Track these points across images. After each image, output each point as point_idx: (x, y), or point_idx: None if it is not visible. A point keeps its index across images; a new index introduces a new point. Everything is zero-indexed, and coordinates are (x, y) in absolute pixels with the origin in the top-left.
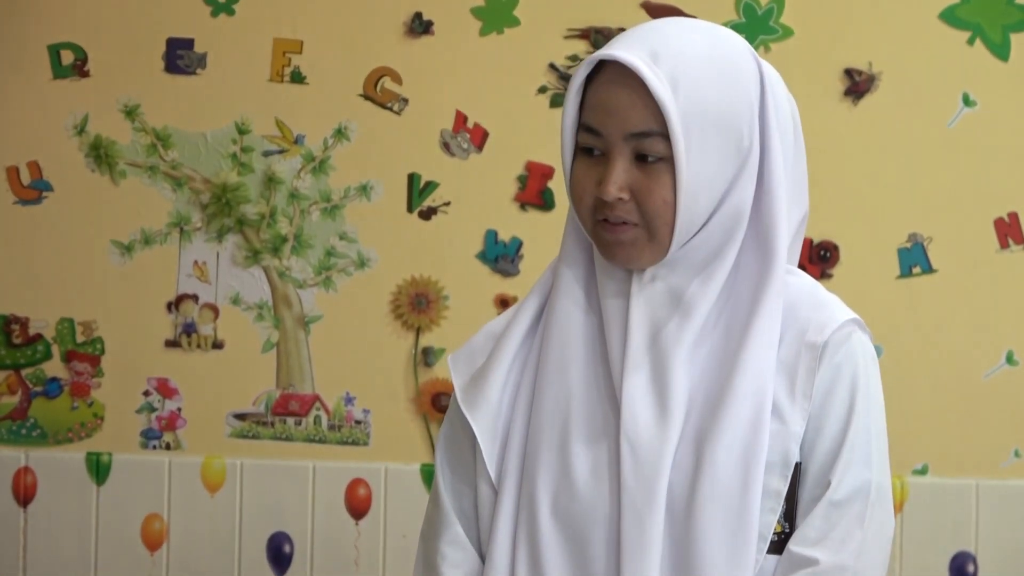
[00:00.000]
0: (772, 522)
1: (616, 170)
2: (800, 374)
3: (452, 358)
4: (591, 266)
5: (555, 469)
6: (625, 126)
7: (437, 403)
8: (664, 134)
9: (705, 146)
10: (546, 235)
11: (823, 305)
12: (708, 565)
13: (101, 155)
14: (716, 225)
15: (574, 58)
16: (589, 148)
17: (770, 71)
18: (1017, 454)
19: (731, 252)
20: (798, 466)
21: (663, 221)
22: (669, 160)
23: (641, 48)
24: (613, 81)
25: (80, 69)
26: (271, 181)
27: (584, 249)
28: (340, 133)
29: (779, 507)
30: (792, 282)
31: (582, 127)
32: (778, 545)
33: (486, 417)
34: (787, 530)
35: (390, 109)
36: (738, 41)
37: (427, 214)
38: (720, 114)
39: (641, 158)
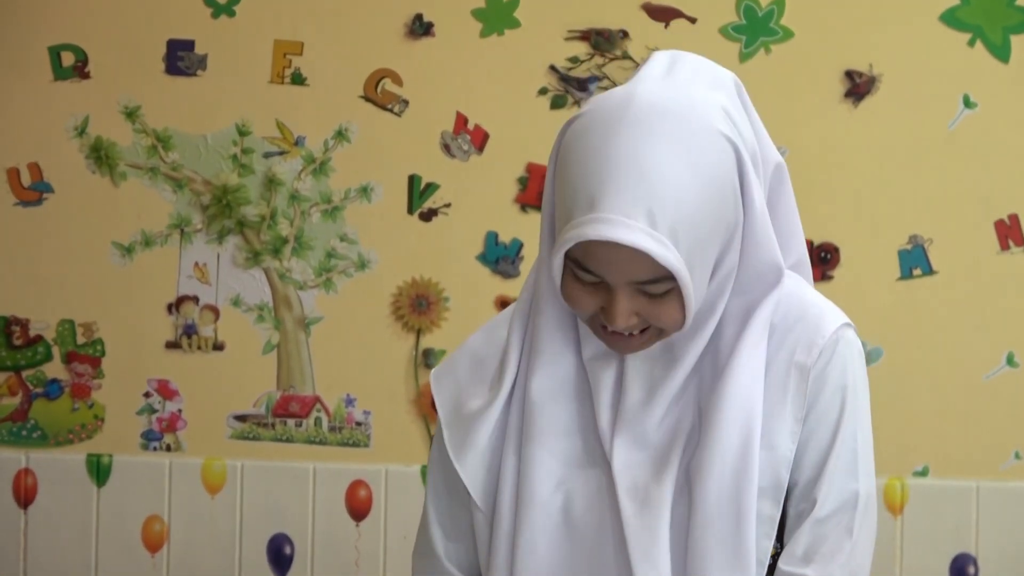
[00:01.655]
0: (768, 547)
1: (622, 305)
2: (790, 397)
3: (435, 377)
4: (571, 316)
5: (552, 516)
6: (628, 276)
7: None
8: (670, 277)
9: (704, 261)
10: None
11: (809, 318)
12: None
13: (102, 157)
14: (711, 291)
15: (574, 59)
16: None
17: (732, 102)
18: (1017, 456)
19: (721, 304)
20: (789, 488)
21: (674, 328)
22: (676, 289)
23: (634, 209)
24: (610, 242)
25: (81, 71)
26: (272, 183)
27: (564, 305)
28: (340, 135)
29: (773, 531)
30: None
31: (575, 262)
32: (774, 568)
33: (473, 466)
34: (779, 551)
35: (390, 111)
36: (713, 124)
37: (428, 216)
38: (713, 231)
39: (644, 291)
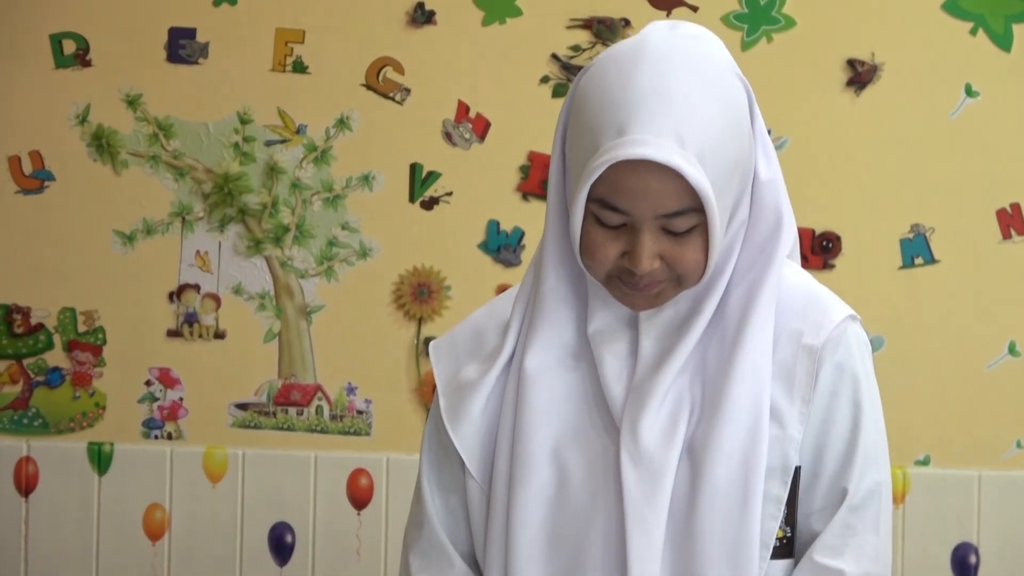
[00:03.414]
0: (774, 529)
1: (647, 245)
2: (798, 378)
3: (434, 347)
4: (574, 283)
5: (548, 482)
6: (657, 209)
7: None
8: (696, 208)
9: (727, 198)
10: None
11: (817, 303)
12: (710, 575)
13: (103, 145)
14: (725, 244)
15: (576, 48)
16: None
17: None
18: (1019, 445)
19: (732, 261)
20: (797, 470)
21: (694, 276)
22: (699, 225)
23: (664, 131)
24: (640, 166)
25: (82, 59)
26: (273, 171)
27: (567, 271)
28: (342, 123)
29: (780, 513)
30: (785, 276)
31: (599, 202)
32: (780, 550)
33: (468, 434)
34: (788, 535)
35: (392, 99)
36: (727, 66)
37: (429, 204)
38: (735, 165)
39: (668, 228)
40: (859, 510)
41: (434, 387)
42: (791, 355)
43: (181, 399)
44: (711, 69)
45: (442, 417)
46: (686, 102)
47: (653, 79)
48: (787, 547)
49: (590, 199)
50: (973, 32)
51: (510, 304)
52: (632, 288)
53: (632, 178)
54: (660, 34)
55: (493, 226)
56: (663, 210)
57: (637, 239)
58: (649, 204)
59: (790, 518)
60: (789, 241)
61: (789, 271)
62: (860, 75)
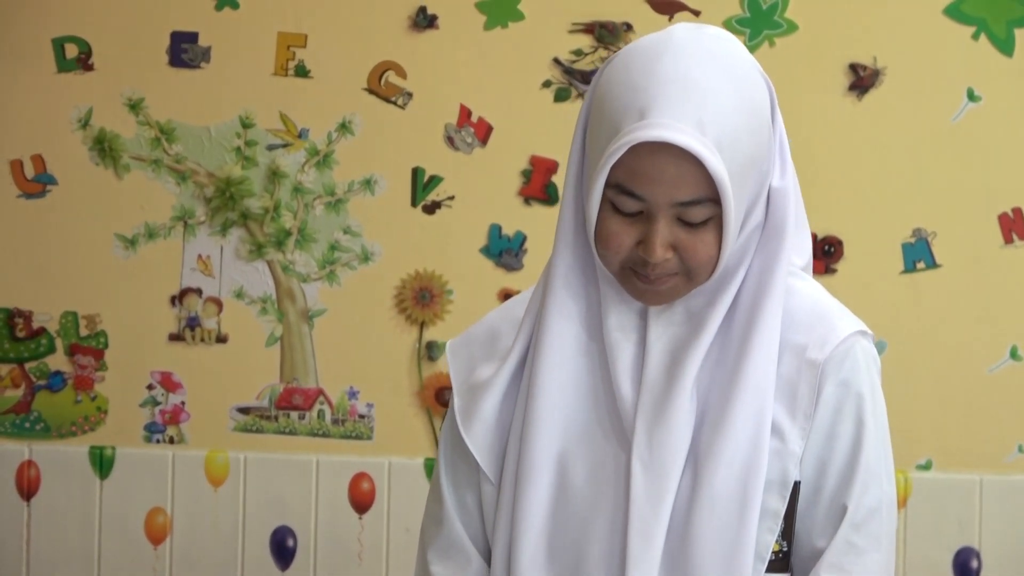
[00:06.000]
0: (770, 542)
1: (662, 233)
2: (801, 393)
3: (451, 347)
4: (586, 282)
5: (552, 484)
6: (674, 196)
7: (441, 397)
8: (712, 199)
9: (743, 193)
10: (550, 229)
11: (824, 318)
12: None
13: (105, 149)
14: (739, 245)
15: (578, 52)
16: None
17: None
18: (1021, 449)
19: (745, 264)
20: (796, 485)
21: (705, 270)
22: (714, 218)
23: (685, 117)
24: (658, 150)
25: (84, 63)
26: (275, 175)
27: (580, 270)
28: (344, 127)
29: (777, 527)
30: (794, 288)
31: (616, 187)
32: (776, 564)
33: (480, 433)
34: (785, 549)
35: (394, 103)
36: (750, 64)
37: (431, 208)
38: (753, 159)
39: (683, 218)
40: (861, 527)
41: (439, 389)
42: (795, 369)
43: (183, 403)
44: (735, 64)
45: (456, 418)
46: (708, 91)
47: (677, 68)
48: (783, 561)
49: (607, 185)
50: (975, 36)
51: (524, 305)
52: (645, 281)
53: (650, 162)
54: (685, 31)
55: (495, 230)
56: (679, 197)
57: (652, 227)
58: (665, 190)
59: (787, 532)
60: (799, 251)
61: (801, 284)
62: (862, 79)
